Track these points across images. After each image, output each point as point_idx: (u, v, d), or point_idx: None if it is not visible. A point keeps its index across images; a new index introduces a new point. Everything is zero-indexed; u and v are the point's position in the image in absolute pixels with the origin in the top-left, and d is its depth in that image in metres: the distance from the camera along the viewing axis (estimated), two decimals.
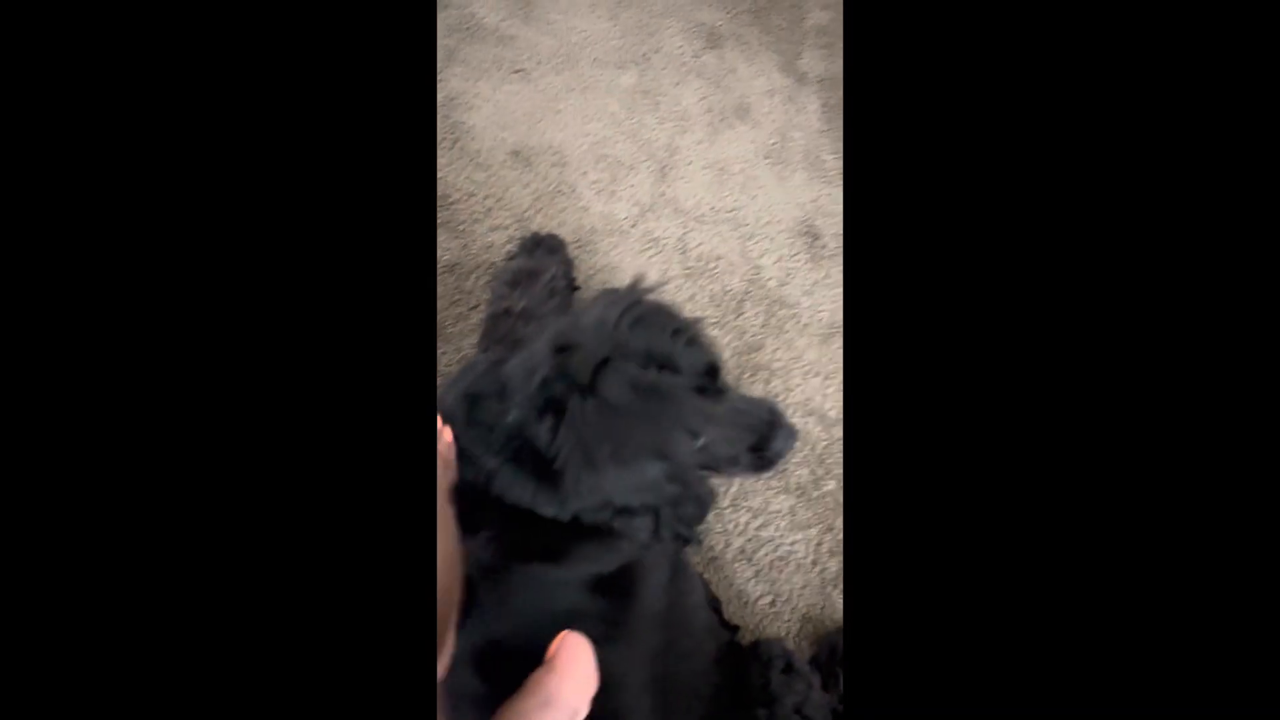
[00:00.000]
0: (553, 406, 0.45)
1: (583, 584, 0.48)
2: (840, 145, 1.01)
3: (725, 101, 1.02)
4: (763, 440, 0.56)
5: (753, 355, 0.83)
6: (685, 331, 0.49)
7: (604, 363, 0.45)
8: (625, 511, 0.48)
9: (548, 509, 0.48)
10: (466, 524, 0.46)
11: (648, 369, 0.45)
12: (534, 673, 0.27)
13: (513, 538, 0.47)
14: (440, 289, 0.81)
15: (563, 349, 0.46)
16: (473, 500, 0.48)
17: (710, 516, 0.73)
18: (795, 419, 0.79)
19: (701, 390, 0.49)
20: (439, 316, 0.79)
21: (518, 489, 0.47)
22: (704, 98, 1.02)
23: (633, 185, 0.92)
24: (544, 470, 0.47)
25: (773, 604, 0.70)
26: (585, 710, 0.27)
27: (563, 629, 0.47)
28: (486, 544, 0.46)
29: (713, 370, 0.51)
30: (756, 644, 0.58)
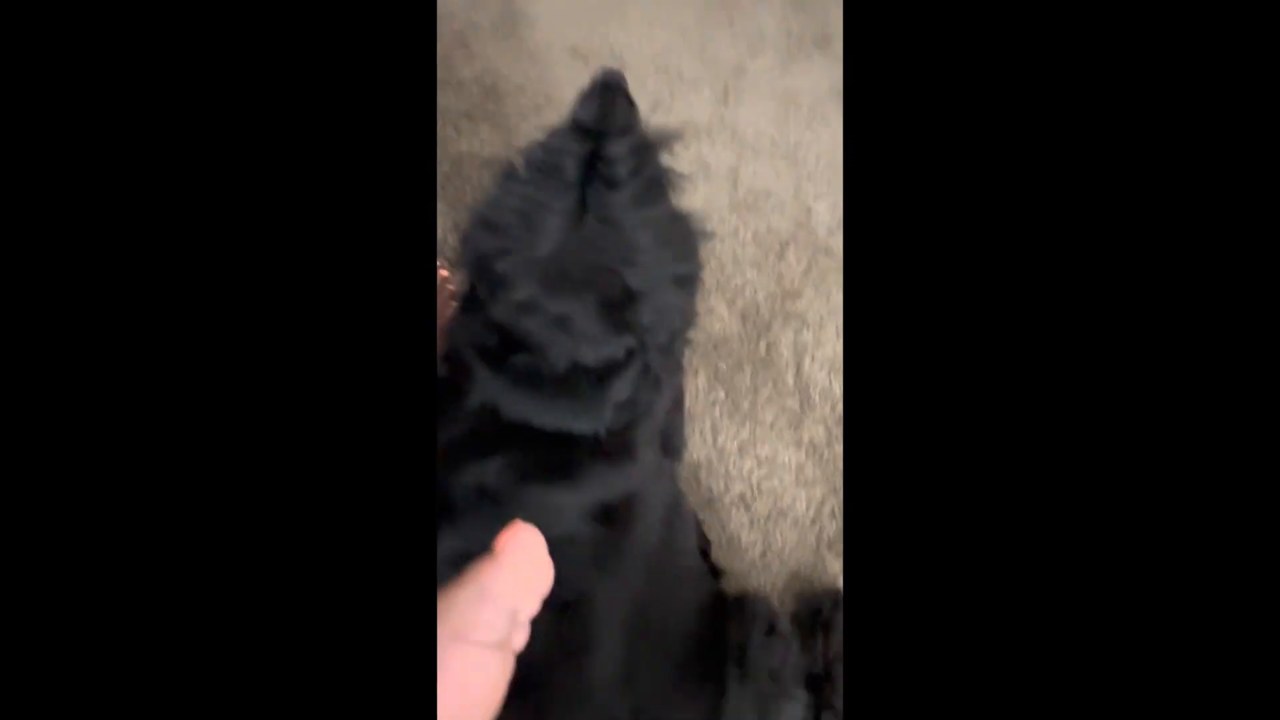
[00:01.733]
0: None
1: (585, 510, 0.47)
2: None
3: (806, 28, 0.95)
4: None
5: (788, 302, 0.79)
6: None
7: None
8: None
9: (585, 426, 0.47)
10: (479, 451, 0.45)
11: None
12: (473, 561, 0.24)
13: (528, 460, 0.46)
14: (477, 181, 0.78)
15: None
16: (488, 426, 0.46)
17: (714, 458, 0.71)
18: (820, 374, 0.75)
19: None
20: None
21: (546, 413, 0.46)
22: (784, 20, 0.94)
23: (690, 103, 0.87)
24: (559, 384, 0.46)
25: (763, 555, 0.69)
26: (530, 609, 0.25)
27: (561, 554, 0.46)
28: (499, 471, 0.45)
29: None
30: (743, 598, 0.56)
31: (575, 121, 0.49)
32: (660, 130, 0.50)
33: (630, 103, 0.51)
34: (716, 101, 0.87)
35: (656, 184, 0.49)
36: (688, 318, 0.51)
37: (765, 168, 0.85)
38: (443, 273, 0.64)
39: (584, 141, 0.47)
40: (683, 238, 0.50)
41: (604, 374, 0.47)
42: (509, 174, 0.48)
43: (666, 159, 0.50)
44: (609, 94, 0.49)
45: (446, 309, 0.61)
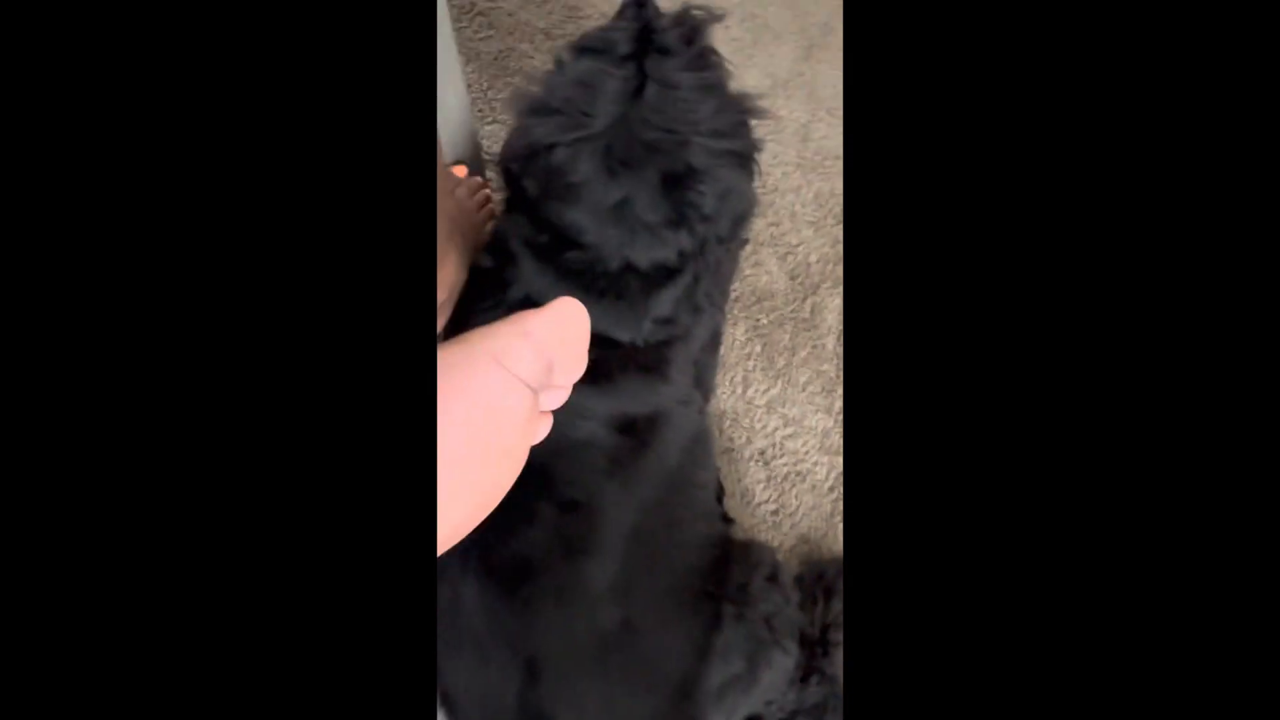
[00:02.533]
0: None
1: (609, 418, 0.46)
2: None
3: None
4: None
5: (839, 268, 0.76)
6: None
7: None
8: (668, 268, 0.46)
9: (623, 332, 0.46)
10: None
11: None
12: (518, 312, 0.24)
13: None
14: None
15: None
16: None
17: (740, 409, 0.70)
18: None
19: None
20: None
21: (589, 311, 0.45)
22: None
23: (772, 55, 0.84)
24: (608, 284, 0.45)
25: (775, 514, 0.67)
26: (563, 383, 0.25)
27: (577, 454, 0.46)
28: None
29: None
30: (749, 544, 0.55)
31: (620, 16, 0.48)
32: (704, 8, 0.48)
33: (660, 12, 0.50)
34: (799, 57, 0.85)
35: (707, 52, 0.48)
36: (750, 202, 0.49)
37: (837, 130, 0.82)
38: (460, 171, 0.63)
39: (633, 21, 0.46)
40: (738, 112, 0.48)
41: (654, 279, 0.46)
42: (559, 62, 0.47)
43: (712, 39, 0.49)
44: (641, 6, 0.48)
45: (469, 205, 0.60)
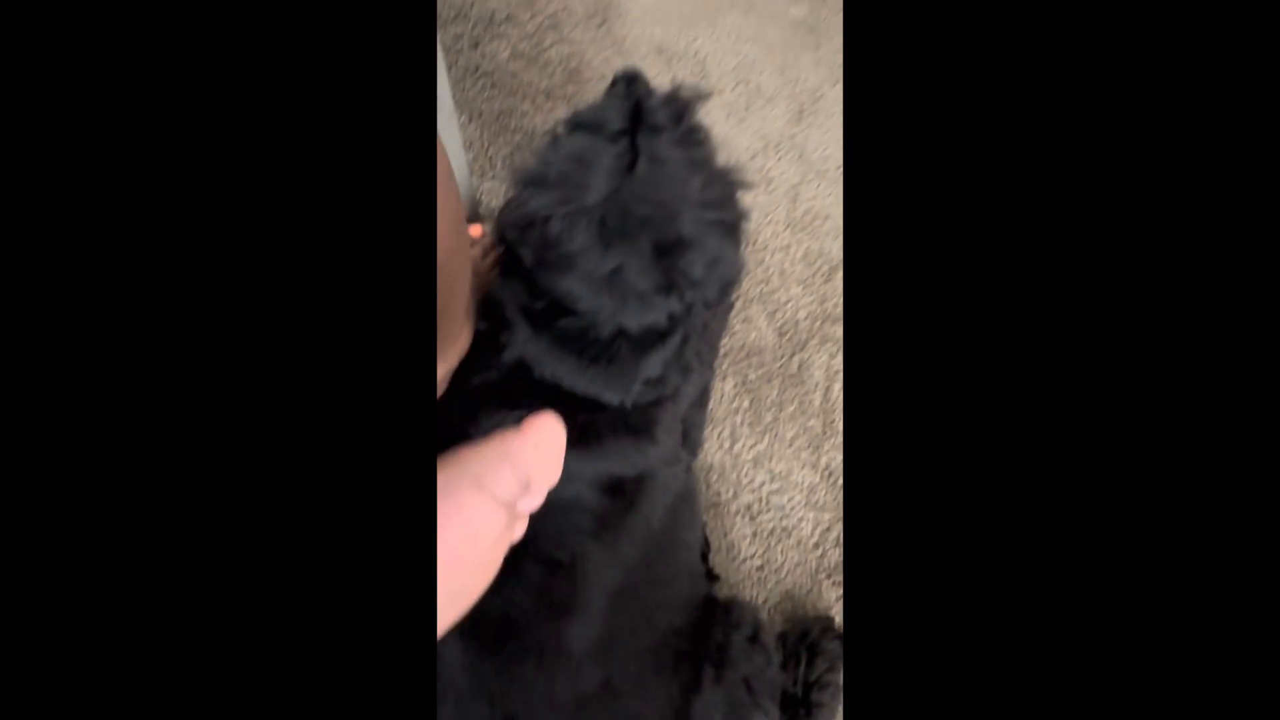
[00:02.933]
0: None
1: (596, 480, 0.47)
2: None
3: None
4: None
5: (827, 325, 0.78)
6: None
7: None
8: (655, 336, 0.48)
9: (613, 395, 0.47)
10: (505, 401, 0.46)
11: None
12: (500, 430, 0.25)
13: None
14: None
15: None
16: (518, 380, 0.47)
17: (727, 463, 0.71)
18: None
19: None
20: None
21: (578, 376, 0.47)
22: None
23: (765, 118, 0.87)
24: (600, 350, 0.47)
25: (760, 569, 0.68)
26: (539, 494, 0.26)
27: (563, 515, 0.47)
28: (520, 423, 0.45)
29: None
30: (731, 603, 0.56)
31: (612, 90, 0.51)
32: (692, 88, 0.51)
33: (650, 88, 0.53)
34: (790, 121, 0.88)
35: (697, 132, 0.51)
36: (738, 268, 0.51)
37: (825, 191, 0.85)
38: (475, 230, 0.65)
39: (624, 100, 0.49)
40: (726, 184, 0.50)
41: (644, 342, 0.47)
42: (554, 137, 0.50)
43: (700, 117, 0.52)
44: (632, 82, 0.51)
45: (481, 266, 0.62)
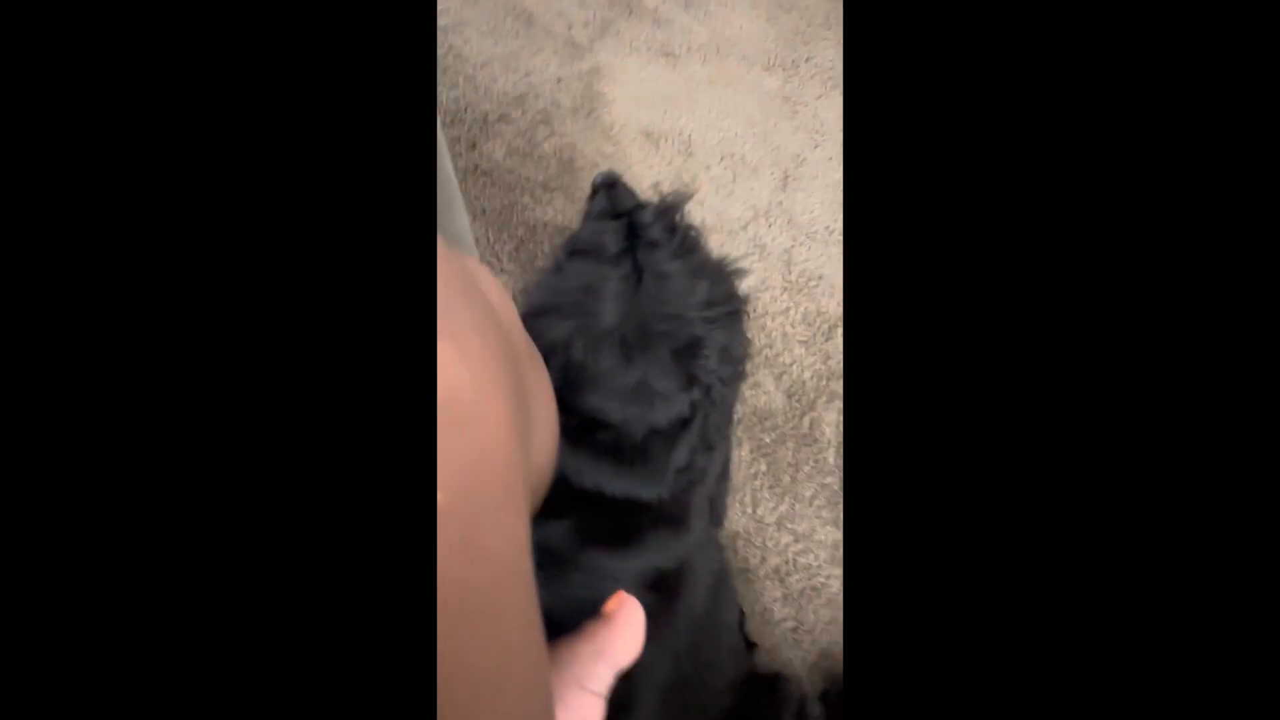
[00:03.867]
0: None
1: (641, 575, 0.50)
2: None
3: None
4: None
5: (832, 382, 0.81)
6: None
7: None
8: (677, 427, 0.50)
9: (650, 491, 0.50)
10: (549, 513, 0.48)
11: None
12: (590, 623, 0.28)
13: (595, 525, 0.48)
14: (547, 248, 0.84)
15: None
16: (559, 492, 0.49)
17: (752, 529, 0.73)
18: None
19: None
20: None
21: (618, 481, 0.49)
22: (843, 116, 1.00)
23: (752, 188, 0.92)
24: (635, 453, 0.49)
25: (795, 630, 0.70)
26: (626, 665, 0.29)
27: None
28: (565, 534, 0.47)
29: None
30: (777, 678, 0.57)
31: (598, 211, 0.54)
32: (674, 194, 0.55)
33: (629, 189, 0.56)
34: (776, 188, 0.93)
35: (689, 236, 0.54)
36: (746, 346, 0.54)
37: (818, 252, 0.89)
38: None
39: (615, 219, 0.52)
40: (726, 280, 0.54)
41: (672, 434, 0.50)
42: (557, 265, 0.53)
43: (686, 217, 0.55)
44: (611, 187, 0.55)
45: None
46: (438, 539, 0.17)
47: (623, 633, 0.29)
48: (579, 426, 0.50)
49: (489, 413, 0.19)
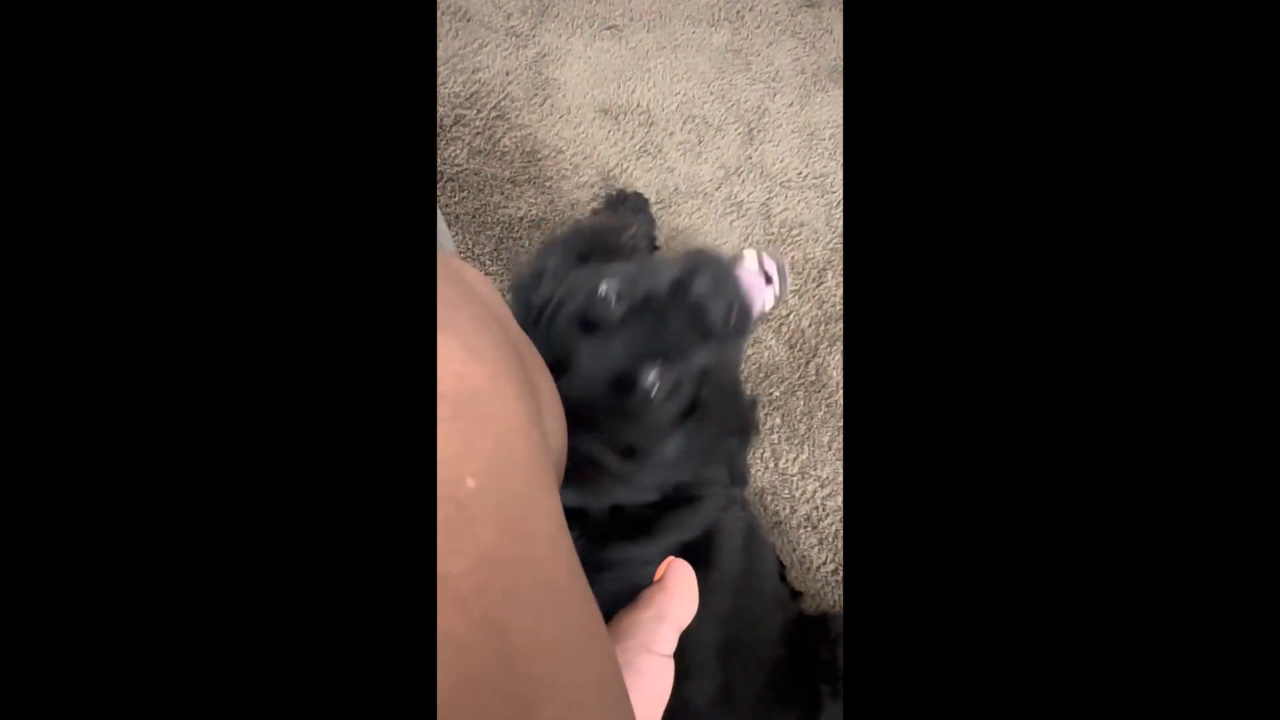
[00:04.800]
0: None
1: (666, 554, 0.50)
2: None
3: (819, 63, 0.99)
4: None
5: (830, 325, 0.82)
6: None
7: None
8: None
9: (657, 493, 0.50)
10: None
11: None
12: (646, 590, 0.29)
13: (608, 530, 0.49)
14: (526, 243, 0.83)
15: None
16: (573, 518, 0.49)
17: (777, 482, 0.74)
18: None
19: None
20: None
21: (636, 494, 0.49)
22: (797, 59, 0.99)
23: (719, 147, 0.91)
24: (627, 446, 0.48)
25: (835, 572, 0.71)
26: (685, 624, 0.30)
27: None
28: (582, 546, 0.47)
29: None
30: (825, 617, 0.58)
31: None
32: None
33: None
34: (743, 144, 0.92)
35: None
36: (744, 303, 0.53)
37: (795, 199, 0.89)
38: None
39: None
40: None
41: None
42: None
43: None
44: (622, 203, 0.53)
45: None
46: (477, 524, 0.17)
47: (677, 593, 0.30)
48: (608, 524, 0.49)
49: (504, 400, 0.19)
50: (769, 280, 0.56)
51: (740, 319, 0.49)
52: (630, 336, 0.46)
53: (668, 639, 0.29)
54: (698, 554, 0.51)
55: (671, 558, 0.31)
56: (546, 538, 0.19)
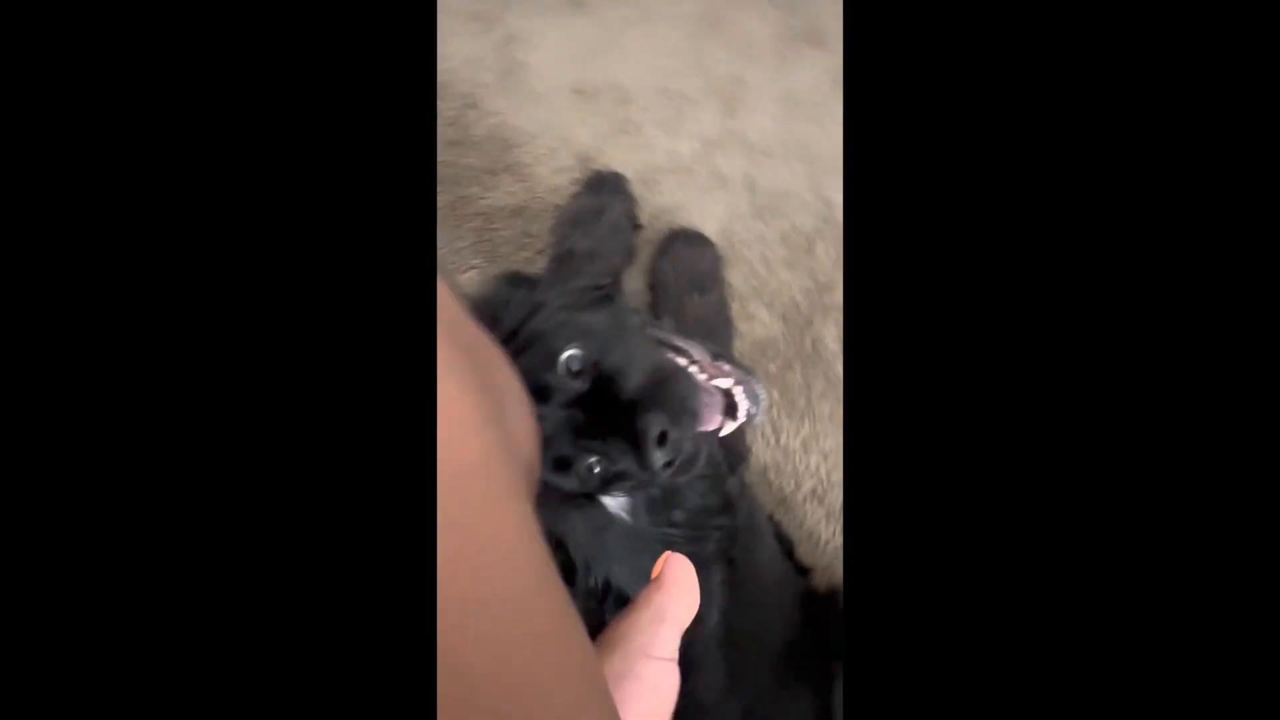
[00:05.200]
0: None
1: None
2: None
3: (795, 25, 0.96)
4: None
5: (824, 295, 0.80)
6: None
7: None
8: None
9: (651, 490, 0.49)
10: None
11: None
12: (643, 590, 0.28)
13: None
14: (507, 233, 0.81)
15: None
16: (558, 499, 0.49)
17: (780, 458, 0.73)
18: None
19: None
20: (508, 261, 0.79)
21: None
22: (771, 23, 0.96)
23: (698, 121, 0.89)
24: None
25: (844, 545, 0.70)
26: (686, 624, 0.29)
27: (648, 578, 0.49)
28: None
29: None
30: (832, 594, 0.58)
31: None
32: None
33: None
34: (722, 115, 0.90)
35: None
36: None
37: (780, 168, 0.87)
38: None
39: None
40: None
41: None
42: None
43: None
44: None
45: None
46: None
47: (674, 591, 0.28)
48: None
49: (443, 401, 0.17)
50: (734, 415, 0.52)
51: (683, 466, 0.47)
52: (576, 421, 0.45)
53: (667, 641, 0.27)
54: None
55: (668, 553, 0.29)
56: (504, 550, 0.18)
